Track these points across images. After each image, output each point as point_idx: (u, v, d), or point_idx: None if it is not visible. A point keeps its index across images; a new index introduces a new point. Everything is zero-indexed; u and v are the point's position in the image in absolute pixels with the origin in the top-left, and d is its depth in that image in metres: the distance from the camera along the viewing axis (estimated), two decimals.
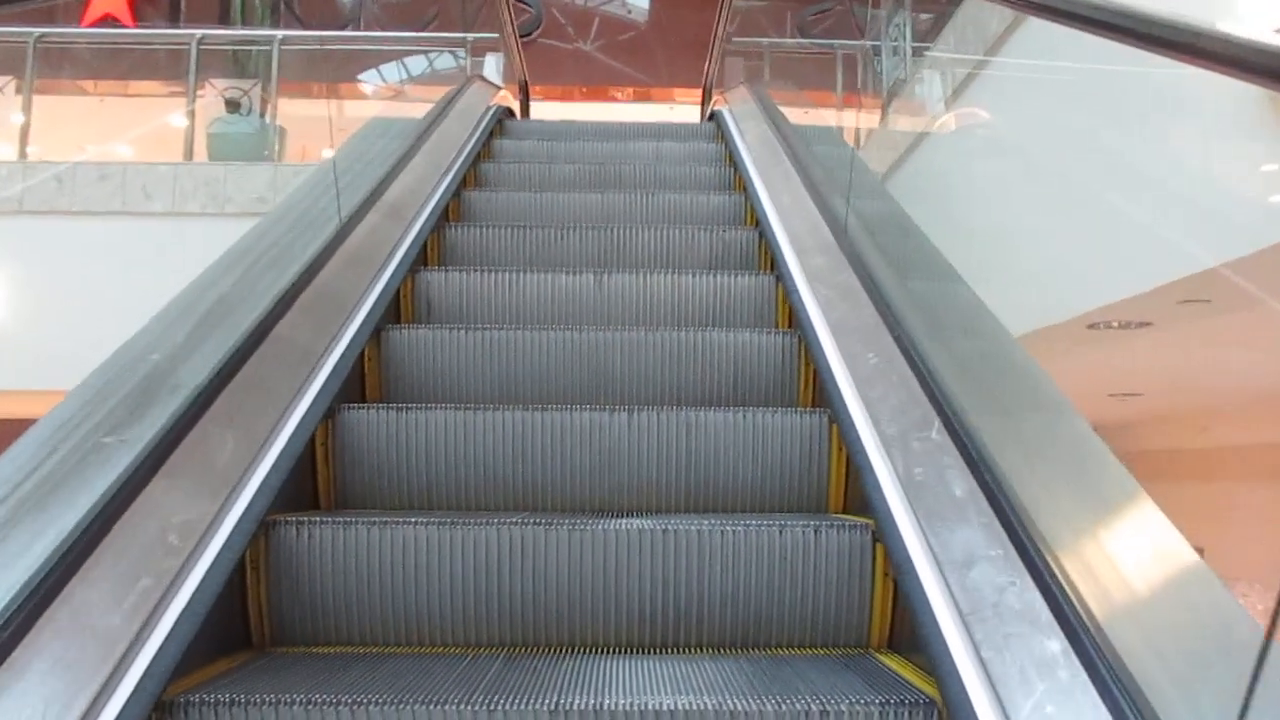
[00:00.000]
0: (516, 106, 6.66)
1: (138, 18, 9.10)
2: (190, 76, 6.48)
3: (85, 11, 8.91)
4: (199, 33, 6.78)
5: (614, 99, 10.50)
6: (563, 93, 10.23)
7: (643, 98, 10.50)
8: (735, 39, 7.27)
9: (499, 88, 5.82)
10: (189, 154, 6.26)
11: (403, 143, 3.77)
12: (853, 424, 2.00)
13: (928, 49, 5.25)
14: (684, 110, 10.18)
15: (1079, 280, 3.37)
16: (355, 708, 1.37)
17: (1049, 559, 1.38)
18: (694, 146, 4.76)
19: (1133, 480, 1.45)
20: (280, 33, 7.08)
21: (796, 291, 2.66)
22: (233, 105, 6.44)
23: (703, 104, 7.25)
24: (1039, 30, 3.18)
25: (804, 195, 3.26)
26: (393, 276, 2.82)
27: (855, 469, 1.95)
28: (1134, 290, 3.05)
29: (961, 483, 1.65)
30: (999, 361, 1.98)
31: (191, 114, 6.42)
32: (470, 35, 7.22)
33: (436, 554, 1.74)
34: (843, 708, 1.38)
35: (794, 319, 2.63)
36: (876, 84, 6.57)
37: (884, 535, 1.69)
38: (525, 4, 9.89)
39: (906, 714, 1.38)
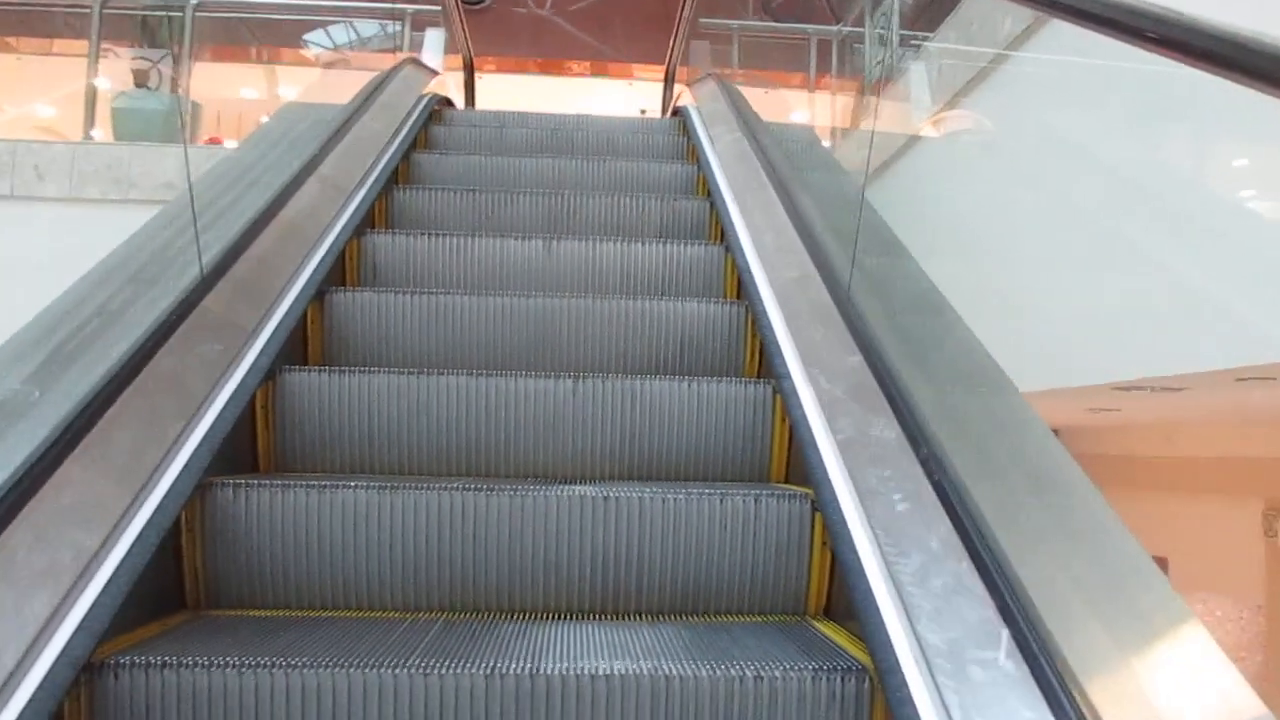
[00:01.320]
0: (459, 88, 6.09)
1: None
2: (92, 43, 5.88)
3: None
4: None
5: (570, 72, 10.32)
6: (516, 64, 10.03)
7: (600, 72, 10.32)
8: (702, 20, 6.55)
9: (435, 72, 5.10)
10: (89, 131, 5.75)
11: (299, 155, 2.98)
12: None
13: (924, 40, 4.62)
14: (643, 89, 9.93)
15: (1117, 341, 2.76)
16: (289, 670, 1.36)
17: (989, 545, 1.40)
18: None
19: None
20: None
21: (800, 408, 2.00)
22: (140, 78, 5.90)
23: (665, 90, 6.63)
24: (1070, 37, 2.51)
25: (790, 232, 2.67)
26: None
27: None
28: (1192, 367, 2.49)
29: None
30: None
31: (92, 87, 5.83)
32: (410, 8, 6.52)
33: (375, 517, 1.72)
34: (777, 674, 1.39)
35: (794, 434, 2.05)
36: (855, 75, 6.01)
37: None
38: None
39: (839, 680, 1.40)
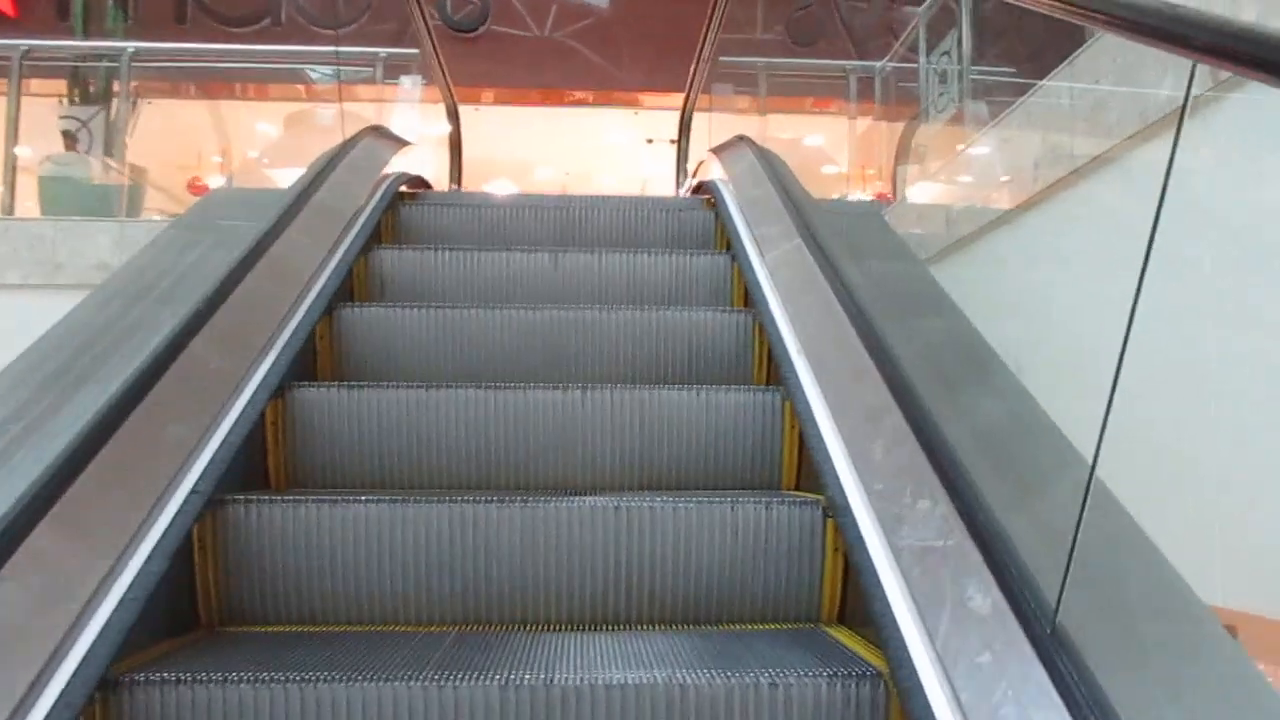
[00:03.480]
0: (442, 144, 5.16)
1: (21, 12, 7.94)
2: (11, 100, 5.06)
3: None
4: (23, 44, 5.30)
5: (573, 100, 10.19)
6: (515, 95, 9.87)
7: (605, 101, 10.16)
8: (723, 58, 5.42)
9: (404, 142, 4.03)
10: (9, 207, 4.95)
11: (175, 313, 1.99)
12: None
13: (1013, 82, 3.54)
14: (650, 119, 9.76)
15: None
16: (304, 685, 1.36)
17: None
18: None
19: None
20: (131, 45, 5.66)
21: None
22: (69, 141, 5.18)
23: (680, 137, 5.38)
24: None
25: (910, 446, 1.62)
26: None
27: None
28: None
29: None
30: None
31: (12, 155, 5.04)
32: (383, 51, 5.81)
33: (388, 532, 1.73)
34: (791, 680, 1.39)
35: None
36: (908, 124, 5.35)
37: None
38: None
39: (854, 685, 1.40)
